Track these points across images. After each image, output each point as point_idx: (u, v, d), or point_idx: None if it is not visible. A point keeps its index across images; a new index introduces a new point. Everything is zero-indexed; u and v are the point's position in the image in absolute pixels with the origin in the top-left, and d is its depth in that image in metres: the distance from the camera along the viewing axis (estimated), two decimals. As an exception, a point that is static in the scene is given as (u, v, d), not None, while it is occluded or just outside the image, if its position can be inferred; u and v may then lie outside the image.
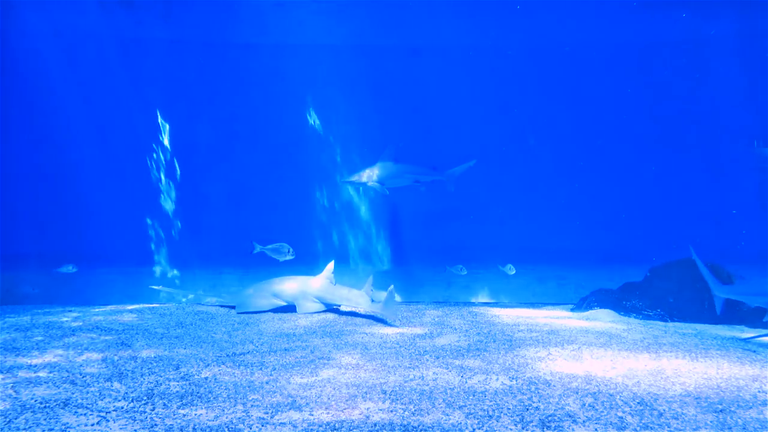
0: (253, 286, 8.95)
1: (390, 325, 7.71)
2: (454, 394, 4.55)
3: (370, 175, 10.96)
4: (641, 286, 9.31)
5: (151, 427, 3.74)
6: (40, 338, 6.35)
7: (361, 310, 8.60)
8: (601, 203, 17.35)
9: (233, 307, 8.77)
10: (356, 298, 8.33)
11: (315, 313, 8.38)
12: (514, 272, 9.84)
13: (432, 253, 14.76)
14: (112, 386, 4.61)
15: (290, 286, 8.66)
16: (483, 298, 11.95)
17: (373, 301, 8.37)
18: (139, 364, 5.33)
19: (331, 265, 8.78)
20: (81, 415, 3.92)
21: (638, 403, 4.40)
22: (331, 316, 8.47)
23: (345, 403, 4.28)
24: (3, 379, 4.74)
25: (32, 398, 4.24)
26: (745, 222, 14.80)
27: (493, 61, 17.82)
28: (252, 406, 4.19)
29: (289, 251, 8.47)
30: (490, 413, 4.09)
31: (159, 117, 16.11)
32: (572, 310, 9.54)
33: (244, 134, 18.80)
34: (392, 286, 7.92)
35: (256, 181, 18.28)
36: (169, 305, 9.29)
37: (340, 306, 8.66)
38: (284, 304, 8.62)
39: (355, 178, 11.18)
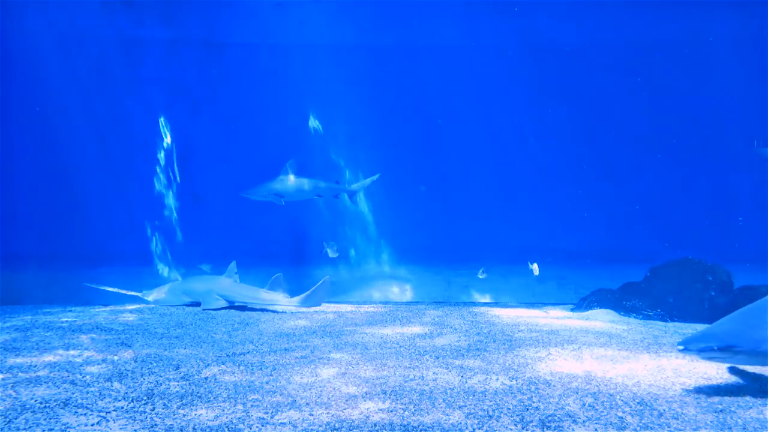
0: (169, 285, 9.79)
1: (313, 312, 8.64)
2: (454, 394, 4.55)
3: (270, 188, 10.95)
4: (641, 286, 9.31)
5: (151, 427, 3.74)
6: (40, 338, 6.35)
7: (279, 307, 9.04)
8: (602, 203, 17.35)
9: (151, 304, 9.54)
10: (264, 295, 8.96)
11: (220, 308, 8.94)
12: (538, 273, 9.71)
13: (432, 252, 14.75)
14: (112, 386, 4.61)
15: (198, 285, 9.51)
16: (483, 298, 11.95)
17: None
18: (139, 364, 5.33)
19: (232, 265, 9.46)
20: (81, 415, 3.92)
21: (638, 403, 4.40)
22: (331, 316, 8.47)
23: (345, 403, 4.28)
24: (3, 379, 4.74)
25: (32, 398, 4.24)
26: (744, 221, 14.80)
27: (494, 61, 17.83)
28: (252, 406, 4.19)
29: (337, 249, 10.00)
30: (490, 413, 4.09)
31: (158, 116, 16.10)
32: (572, 310, 9.55)
33: (244, 134, 18.81)
34: (327, 277, 8.77)
35: (259, 180, 18.27)
36: (169, 306, 9.29)
37: (246, 303, 9.20)
38: (190, 300, 9.35)
39: (256, 190, 11.17)
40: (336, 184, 11.53)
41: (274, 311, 8.94)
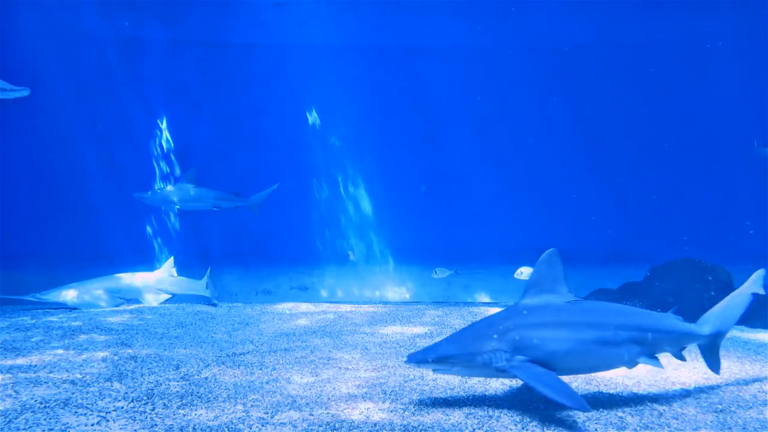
0: (92, 283, 9.26)
1: (215, 305, 9.15)
2: (454, 394, 4.55)
3: (166, 194, 10.74)
4: (641, 286, 9.31)
5: (151, 427, 3.74)
6: (40, 338, 6.34)
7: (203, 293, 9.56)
8: (602, 203, 17.34)
9: (68, 306, 8.90)
10: (193, 285, 9.59)
11: (164, 301, 9.28)
12: (525, 279, 9.53)
13: (432, 252, 14.74)
14: (112, 386, 4.61)
15: (132, 281, 9.46)
16: (483, 298, 11.94)
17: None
18: (139, 364, 5.32)
19: (171, 260, 9.74)
20: (81, 415, 3.91)
21: (638, 403, 4.40)
22: (330, 316, 8.47)
23: (345, 403, 4.27)
24: (3, 379, 4.74)
25: (32, 398, 4.24)
26: (745, 222, 14.80)
27: (494, 61, 17.82)
28: (252, 406, 4.19)
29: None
30: (490, 413, 4.09)
31: (158, 116, 16.09)
32: (572, 310, 9.53)
33: (244, 134, 18.79)
34: (209, 269, 9.49)
35: (258, 180, 18.29)
36: (168, 305, 9.29)
37: (185, 294, 9.59)
38: (124, 299, 9.24)
39: (151, 194, 10.92)
40: (235, 196, 11.37)
41: (275, 312, 8.95)
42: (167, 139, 16.17)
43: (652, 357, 4.24)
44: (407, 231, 16.22)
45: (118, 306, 9.05)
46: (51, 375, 4.89)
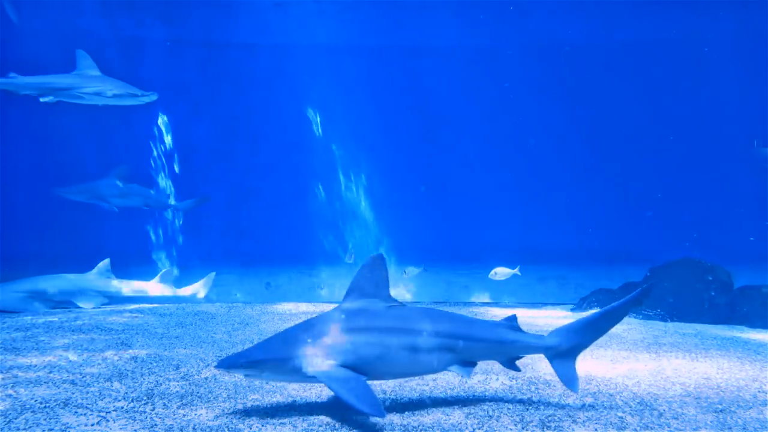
0: (15, 284, 8.97)
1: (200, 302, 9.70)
2: (454, 394, 4.56)
3: (91, 189, 10.37)
4: (641, 286, 9.31)
5: (151, 427, 3.74)
6: (40, 338, 6.34)
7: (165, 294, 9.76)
8: (602, 203, 17.33)
9: None
10: (141, 287, 9.63)
11: (102, 304, 9.19)
12: (499, 279, 9.53)
13: (431, 253, 14.73)
14: (112, 386, 4.61)
15: (60, 284, 9.14)
16: (483, 298, 11.95)
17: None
18: (139, 364, 5.32)
19: (105, 263, 9.49)
20: (81, 415, 3.91)
21: (638, 403, 4.40)
22: (331, 316, 8.47)
23: (345, 403, 4.27)
24: (3, 379, 4.74)
25: (32, 398, 4.24)
26: (745, 222, 14.79)
27: (494, 61, 17.81)
28: (252, 406, 4.19)
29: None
30: (490, 413, 4.09)
31: (157, 116, 16.07)
32: (572, 310, 9.57)
33: (244, 134, 18.77)
34: (213, 273, 9.88)
35: (259, 180, 18.32)
36: (169, 305, 9.29)
37: (130, 296, 9.57)
38: (53, 302, 8.96)
39: (76, 188, 10.49)
40: (166, 198, 11.18)
41: (275, 312, 8.96)
42: (167, 140, 16.15)
43: (466, 365, 4.13)
44: (407, 231, 16.22)
45: (52, 308, 8.76)
46: (51, 375, 4.89)
